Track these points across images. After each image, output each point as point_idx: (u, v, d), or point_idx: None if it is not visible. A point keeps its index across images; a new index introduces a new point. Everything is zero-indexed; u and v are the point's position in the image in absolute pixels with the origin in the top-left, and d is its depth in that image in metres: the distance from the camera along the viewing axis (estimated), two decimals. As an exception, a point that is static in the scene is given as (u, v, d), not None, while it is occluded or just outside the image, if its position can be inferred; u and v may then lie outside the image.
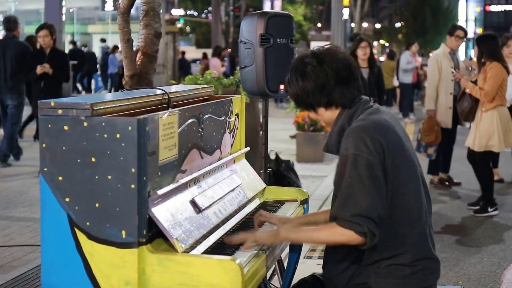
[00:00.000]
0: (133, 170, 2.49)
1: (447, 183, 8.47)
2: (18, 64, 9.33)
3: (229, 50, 25.08)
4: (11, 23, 9.68)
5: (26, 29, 29.03)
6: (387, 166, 2.61)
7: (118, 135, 2.50)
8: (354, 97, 2.78)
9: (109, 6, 24.83)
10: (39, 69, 8.62)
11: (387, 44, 55.04)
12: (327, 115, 2.81)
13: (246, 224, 3.15)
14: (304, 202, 3.66)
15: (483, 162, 7.22)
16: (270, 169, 4.74)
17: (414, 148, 2.86)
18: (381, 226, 2.59)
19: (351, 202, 2.56)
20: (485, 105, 7.04)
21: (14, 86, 9.42)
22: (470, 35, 47.30)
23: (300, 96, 2.78)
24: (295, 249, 3.59)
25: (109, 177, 2.51)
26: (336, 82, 2.72)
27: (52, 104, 2.57)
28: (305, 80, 2.74)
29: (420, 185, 2.74)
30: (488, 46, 7.10)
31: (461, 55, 8.86)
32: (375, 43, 54.94)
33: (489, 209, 7.12)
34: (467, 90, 7.02)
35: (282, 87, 4.28)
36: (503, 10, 66.19)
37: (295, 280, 3.17)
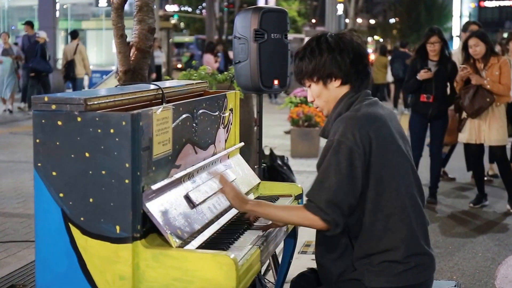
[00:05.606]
0: (127, 165, 2.49)
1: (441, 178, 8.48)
2: None
3: (220, 46, 24.52)
4: None
5: (20, 26, 28.93)
6: (373, 159, 2.63)
7: (112, 130, 2.49)
8: (365, 81, 2.81)
9: (103, 2, 24.75)
10: None
11: (381, 40, 55.13)
12: (335, 92, 2.79)
13: (241, 218, 3.14)
14: (299, 197, 3.66)
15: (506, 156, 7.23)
16: (264, 165, 4.72)
17: (409, 144, 2.85)
18: (365, 218, 2.65)
19: (325, 186, 2.61)
20: (502, 99, 6.99)
21: None
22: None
23: (320, 65, 2.76)
24: (290, 244, 3.60)
25: (103, 172, 2.51)
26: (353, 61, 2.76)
27: (46, 99, 2.56)
28: (333, 52, 2.75)
29: (412, 181, 2.75)
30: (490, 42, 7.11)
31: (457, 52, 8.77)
32: (369, 39, 55.00)
33: None
34: (488, 86, 6.91)
35: (276, 82, 4.27)
36: (497, 5, 66.18)
37: (291, 275, 3.18)
